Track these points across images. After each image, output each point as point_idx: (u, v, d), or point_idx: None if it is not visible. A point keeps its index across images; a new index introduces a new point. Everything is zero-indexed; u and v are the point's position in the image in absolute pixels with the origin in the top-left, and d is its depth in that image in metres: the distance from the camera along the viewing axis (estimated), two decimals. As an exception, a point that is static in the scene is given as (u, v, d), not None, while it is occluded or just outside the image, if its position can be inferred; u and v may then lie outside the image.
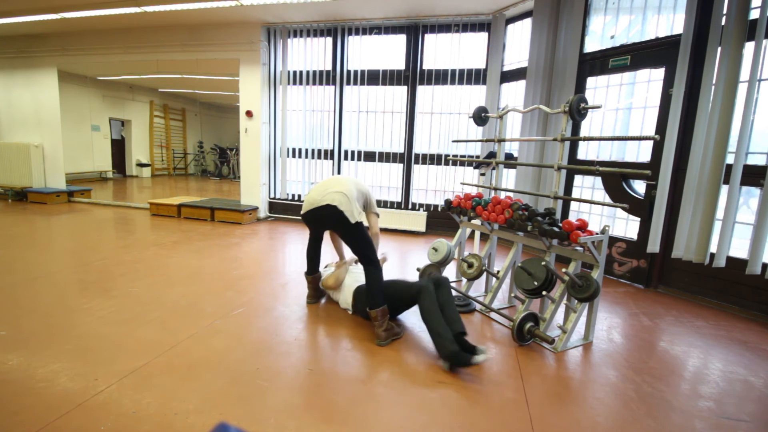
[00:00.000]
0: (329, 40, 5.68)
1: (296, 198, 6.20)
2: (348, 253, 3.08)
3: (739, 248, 3.14)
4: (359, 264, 3.03)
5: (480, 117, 3.29)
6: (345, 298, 2.80)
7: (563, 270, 2.35)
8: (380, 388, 1.92)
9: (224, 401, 1.75)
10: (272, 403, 1.75)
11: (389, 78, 5.56)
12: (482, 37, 5.20)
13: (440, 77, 5.40)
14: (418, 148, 5.62)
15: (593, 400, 1.92)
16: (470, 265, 3.05)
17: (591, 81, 4.09)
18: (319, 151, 5.94)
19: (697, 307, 3.24)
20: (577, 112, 2.51)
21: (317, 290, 2.98)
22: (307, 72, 5.82)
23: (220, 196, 8.41)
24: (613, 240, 3.88)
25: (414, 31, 5.37)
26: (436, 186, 5.64)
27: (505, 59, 5.09)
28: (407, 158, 5.64)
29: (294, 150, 6.07)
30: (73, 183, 8.31)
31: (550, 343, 2.34)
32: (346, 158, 5.86)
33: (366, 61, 5.61)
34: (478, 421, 1.71)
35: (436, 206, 5.64)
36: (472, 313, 2.90)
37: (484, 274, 3.18)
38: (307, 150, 6.00)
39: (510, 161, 3.35)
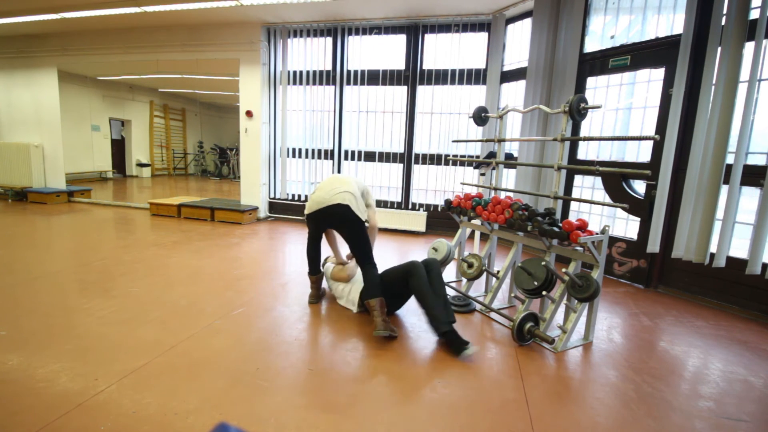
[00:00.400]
0: (329, 40, 5.68)
1: (296, 198, 6.20)
2: (344, 252, 3.08)
3: (739, 248, 3.14)
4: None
5: (480, 117, 3.29)
6: (353, 297, 2.79)
7: (563, 270, 2.35)
8: (380, 388, 1.92)
9: (224, 401, 1.75)
10: (272, 403, 1.75)
11: (389, 78, 5.56)
12: (482, 37, 5.20)
13: (440, 77, 5.40)
14: (418, 148, 5.62)
15: (593, 400, 1.92)
16: (470, 265, 3.05)
17: (591, 81, 4.09)
18: (319, 151, 5.94)
19: (697, 307, 3.24)
20: (577, 112, 2.51)
21: (320, 290, 3.01)
22: (307, 72, 5.82)
23: (220, 196, 8.41)
24: (613, 240, 3.88)
25: (414, 31, 5.37)
26: (436, 186, 5.64)
27: (505, 59, 5.09)
28: (407, 158, 5.64)
29: (294, 150, 6.07)
30: (73, 183, 8.31)
31: (550, 343, 2.34)
32: (346, 158, 5.86)
33: (366, 61, 5.61)
34: (478, 421, 1.71)
35: (436, 206, 5.64)
36: (472, 313, 2.90)
37: (484, 274, 3.18)
38: (307, 150, 6.00)
39: (510, 161, 3.35)
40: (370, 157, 5.80)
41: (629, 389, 2.01)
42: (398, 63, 5.52)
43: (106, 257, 3.79)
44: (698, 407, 1.89)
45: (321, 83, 5.80)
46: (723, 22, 3.02)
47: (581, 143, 4.25)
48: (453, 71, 5.32)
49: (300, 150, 6.04)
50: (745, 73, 2.90)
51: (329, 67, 5.73)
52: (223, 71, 7.66)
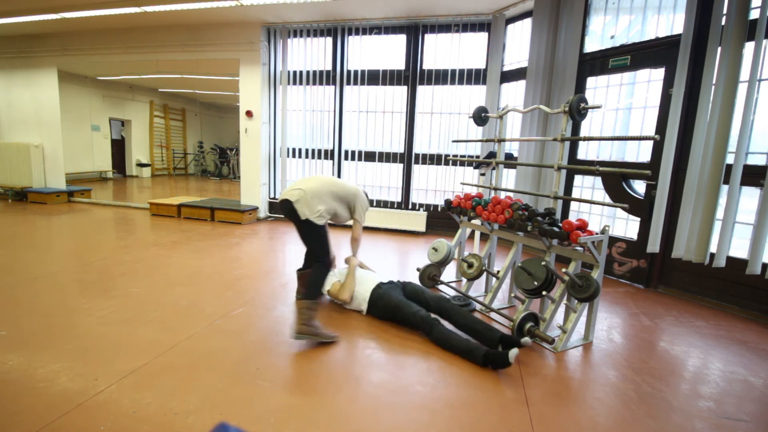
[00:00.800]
0: (329, 40, 5.68)
1: (296, 198, 6.19)
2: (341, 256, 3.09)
3: (739, 248, 3.14)
4: (360, 268, 3.03)
5: (480, 117, 3.29)
6: (358, 303, 2.76)
7: (563, 270, 2.35)
8: (381, 389, 1.92)
9: (224, 401, 1.75)
10: (272, 403, 1.75)
11: (389, 78, 5.56)
12: (482, 37, 5.20)
13: (440, 77, 5.40)
14: (418, 148, 5.62)
15: (593, 400, 1.92)
16: (470, 265, 3.05)
17: (591, 81, 4.09)
18: (319, 151, 5.94)
19: (697, 307, 3.24)
20: (577, 112, 2.51)
21: (305, 287, 3.00)
22: (307, 72, 5.82)
23: (220, 196, 8.41)
24: (613, 240, 3.88)
25: (414, 31, 5.37)
26: (436, 186, 5.64)
27: (505, 59, 5.09)
28: (407, 158, 5.64)
29: (294, 150, 6.07)
30: (73, 183, 8.31)
31: (550, 343, 2.34)
32: (346, 158, 5.86)
33: (366, 61, 5.61)
34: (478, 421, 1.71)
35: (436, 206, 5.64)
36: (472, 313, 2.90)
37: (484, 274, 3.18)
38: (307, 150, 6.00)
39: (510, 161, 3.35)
40: (370, 157, 5.80)
41: (629, 389, 2.01)
42: (398, 63, 5.52)
43: (106, 257, 3.79)
44: (698, 407, 1.89)
45: (321, 83, 5.80)
46: (723, 22, 3.02)
47: (581, 143, 4.25)
48: (453, 71, 5.32)
49: (300, 150, 6.04)
50: (745, 73, 2.90)
51: (329, 67, 5.73)
52: (223, 71, 7.66)
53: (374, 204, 5.81)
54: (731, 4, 2.94)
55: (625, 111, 4.01)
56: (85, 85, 10.04)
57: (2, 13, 5.62)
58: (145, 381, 1.86)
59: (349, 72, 5.68)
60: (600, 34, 4.08)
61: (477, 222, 3.30)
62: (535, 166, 4.02)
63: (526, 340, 2.21)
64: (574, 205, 4.34)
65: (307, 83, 5.84)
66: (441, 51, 5.37)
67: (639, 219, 3.68)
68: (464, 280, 3.24)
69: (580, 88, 4.09)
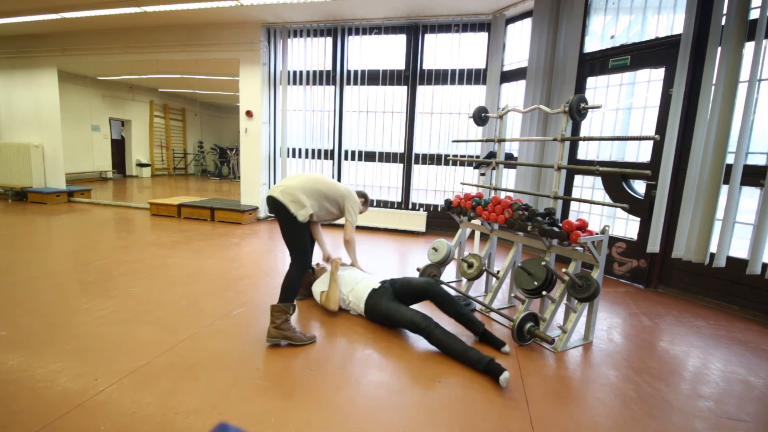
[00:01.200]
0: (329, 40, 5.68)
1: (296, 198, 6.19)
2: (337, 255, 3.08)
3: (739, 248, 3.14)
4: (346, 268, 2.95)
5: (480, 117, 3.29)
6: (355, 308, 2.72)
7: (563, 270, 2.35)
8: (380, 389, 1.92)
9: (224, 401, 1.75)
10: (272, 403, 1.75)
11: (389, 78, 5.56)
12: (482, 37, 5.20)
13: (440, 77, 5.40)
14: (418, 148, 5.62)
15: (593, 400, 1.92)
16: (470, 265, 3.05)
17: (591, 81, 4.09)
18: (319, 151, 5.94)
19: (697, 307, 3.24)
20: (577, 112, 2.51)
21: (307, 287, 3.02)
22: (307, 72, 5.82)
23: (220, 196, 8.41)
24: (613, 240, 3.88)
25: (414, 31, 5.37)
26: (436, 186, 5.64)
27: (505, 59, 5.09)
28: (407, 158, 5.64)
29: (294, 150, 6.07)
30: (73, 183, 8.31)
31: (550, 343, 2.34)
32: (346, 158, 5.86)
33: (366, 61, 5.61)
34: (478, 421, 1.71)
35: (436, 206, 5.64)
36: (472, 313, 2.90)
37: (484, 274, 3.18)
38: (307, 150, 6.00)
39: (510, 161, 3.35)
40: (370, 157, 5.80)
41: (629, 389, 2.01)
42: (398, 63, 5.52)
43: (106, 257, 3.79)
44: (698, 407, 1.89)
45: (321, 83, 5.80)
46: (723, 22, 3.02)
47: (581, 143, 4.25)
48: (453, 71, 5.32)
49: (300, 150, 6.04)
50: (745, 73, 2.90)
51: (329, 67, 5.73)
52: (223, 71, 7.66)
53: (374, 204, 5.81)
54: (731, 4, 2.94)
55: (625, 111, 4.01)
56: (85, 85, 10.04)
57: (2, 13, 5.62)
58: (145, 381, 1.86)
59: (349, 72, 5.68)
60: (600, 34, 4.08)
61: (477, 222, 3.30)
62: (535, 166, 4.02)
63: (506, 348, 2.31)
64: (574, 205, 4.34)
65: (307, 83, 5.84)
66: (441, 51, 5.37)
67: (639, 219, 3.68)
68: (464, 280, 3.24)
69: (580, 88, 4.09)
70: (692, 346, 2.55)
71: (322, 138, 5.92)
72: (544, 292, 2.42)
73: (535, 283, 2.47)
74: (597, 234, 2.36)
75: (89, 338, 2.24)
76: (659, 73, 3.51)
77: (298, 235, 2.54)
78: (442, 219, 5.60)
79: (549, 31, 4.32)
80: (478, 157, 5.03)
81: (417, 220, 5.53)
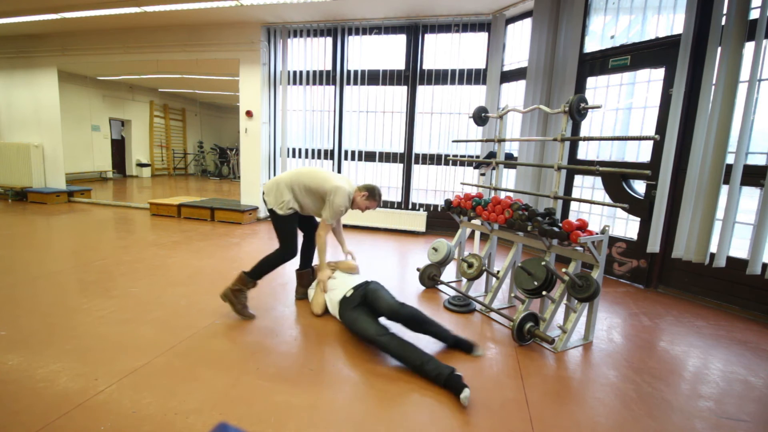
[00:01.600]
0: (329, 40, 5.68)
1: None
2: (337, 256, 3.08)
3: (739, 248, 3.14)
4: (335, 276, 2.81)
5: (480, 117, 3.29)
6: (335, 314, 2.62)
7: (563, 270, 2.35)
8: (381, 388, 1.92)
9: (224, 401, 1.75)
10: (272, 403, 1.75)
11: (389, 78, 5.56)
12: (482, 37, 5.20)
13: (440, 77, 5.40)
14: (418, 148, 5.62)
15: (593, 400, 1.92)
16: (470, 265, 3.05)
17: (591, 81, 4.09)
18: (319, 151, 5.94)
19: (697, 307, 3.23)
20: (577, 112, 2.51)
21: (306, 286, 3.02)
22: (307, 72, 5.82)
23: (220, 196, 8.41)
24: (613, 240, 3.88)
25: (414, 31, 5.37)
26: (436, 186, 5.64)
27: (505, 59, 5.09)
28: (407, 158, 5.64)
29: (294, 150, 6.07)
30: (73, 183, 8.31)
31: (550, 343, 2.34)
32: (346, 158, 5.86)
33: (366, 61, 5.61)
34: (478, 421, 1.71)
35: (436, 206, 5.64)
36: (472, 313, 2.90)
37: (484, 274, 3.18)
38: (307, 150, 6.00)
39: (510, 161, 3.35)
40: (370, 157, 5.80)
41: (629, 389, 2.01)
42: (398, 63, 5.52)
43: (106, 257, 3.79)
44: (698, 407, 1.89)
45: (321, 83, 5.80)
46: (723, 22, 3.02)
47: (581, 143, 4.25)
48: (453, 71, 5.32)
49: (300, 150, 6.04)
50: (745, 73, 2.90)
51: (329, 67, 5.73)
52: (223, 71, 7.66)
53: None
54: (731, 4, 2.94)
55: (625, 111, 4.01)
56: (85, 85, 10.04)
57: (2, 13, 5.61)
58: (145, 381, 1.86)
59: (349, 72, 5.68)
60: (600, 34, 4.08)
61: (477, 222, 3.30)
62: (535, 166, 4.02)
63: (479, 351, 2.27)
64: (574, 205, 4.34)
65: (307, 83, 5.84)
66: (441, 51, 5.37)
67: (639, 219, 3.68)
68: (464, 280, 3.24)
69: (580, 88, 4.09)
70: (692, 346, 2.55)
71: (322, 138, 5.92)
72: (544, 292, 2.42)
73: (535, 283, 2.47)
74: (597, 234, 2.36)
75: (89, 338, 2.24)
76: (659, 73, 3.51)
77: (280, 226, 2.69)
78: (442, 219, 5.60)
79: (549, 31, 4.32)
80: (478, 157, 5.03)
81: (417, 220, 5.53)
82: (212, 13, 5.31)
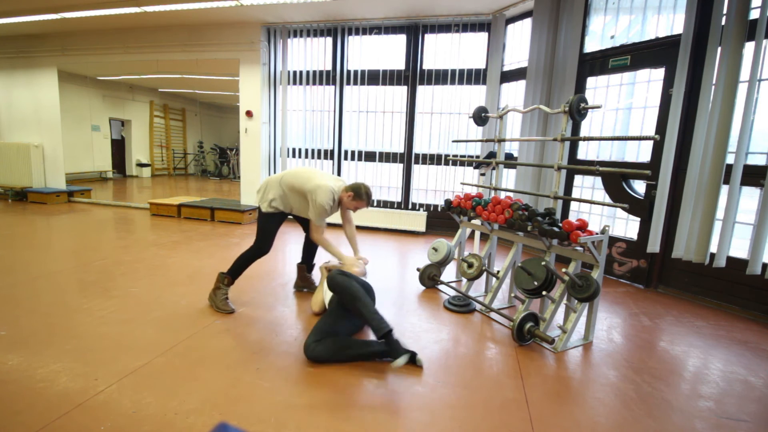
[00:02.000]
0: (329, 40, 5.68)
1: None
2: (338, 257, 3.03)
3: (739, 248, 3.14)
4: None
5: (480, 117, 3.29)
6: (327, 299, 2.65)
7: (563, 270, 2.35)
8: (380, 389, 1.92)
9: (224, 401, 1.75)
10: (272, 403, 1.75)
11: (389, 78, 5.56)
12: (482, 37, 5.20)
13: (440, 77, 5.40)
14: (418, 148, 5.62)
15: (593, 400, 1.92)
16: (470, 265, 3.05)
17: (591, 81, 4.09)
18: (319, 151, 5.94)
19: (697, 307, 3.23)
20: (577, 112, 2.51)
21: (303, 279, 3.13)
22: (307, 72, 5.82)
23: (220, 196, 8.41)
24: (613, 240, 3.88)
25: (414, 31, 5.37)
26: (436, 186, 5.64)
27: (505, 59, 5.09)
28: (407, 158, 5.64)
29: (294, 150, 6.08)
30: (73, 183, 8.31)
31: (550, 343, 2.34)
32: (346, 158, 5.86)
33: (366, 61, 5.61)
34: (478, 421, 1.71)
35: (436, 206, 5.64)
36: (472, 313, 2.90)
37: (484, 274, 3.18)
38: (307, 150, 6.00)
39: (510, 161, 3.35)
40: (370, 157, 5.80)
41: (629, 389, 2.01)
42: (398, 63, 5.52)
43: (106, 257, 3.79)
44: (698, 407, 1.89)
45: (321, 83, 5.80)
46: (723, 22, 3.02)
47: (581, 143, 4.25)
48: (453, 71, 5.32)
49: (300, 150, 6.04)
50: (745, 73, 2.90)
51: (329, 67, 5.73)
52: (223, 71, 7.66)
53: (374, 204, 5.81)
54: (731, 4, 2.94)
55: (625, 111, 4.01)
56: (85, 85, 10.04)
57: (2, 13, 5.62)
58: (145, 381, 1.86)
59: (349, 72, 5.68)
60: (600, 34, 4.08)
61: (477, 222, 3.30)
62: (535, 166, 4.02)
63: (415, 359, 2.10)
64: (574, 205, 4.34)
65: (307, 83, 5.84)
66: (441, 51, 5.37)
67: (639, 219, 3.68)
68: (464, 280, 3.24)
69: (580, 88, 4.09)
70: (692, 346, 2.55)
71: (322, 138, 5.92)
72: (544, 292, 2.42)
73: (535, 283, 2.47)
74: (597, 234, 2.36)
75: (89, 338, 2.24)
76: (659, 73, 3.51)
77: (260, 223, 2.77)
78: (442, 219, 5.60)
79: (549, 31, 4.32)
80: (478, 157, 5.03)
81: (417, 220, 5.53)
82: (212, 13, 5.31)
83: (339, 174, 5.91)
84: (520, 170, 4.64)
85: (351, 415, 1.71)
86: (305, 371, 2.02)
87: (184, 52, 6.02)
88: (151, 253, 3.97)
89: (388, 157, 5.74)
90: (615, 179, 3.80)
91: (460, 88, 5.35)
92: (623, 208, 2.52)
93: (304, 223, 2.98)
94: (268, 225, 2.76)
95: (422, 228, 5.52)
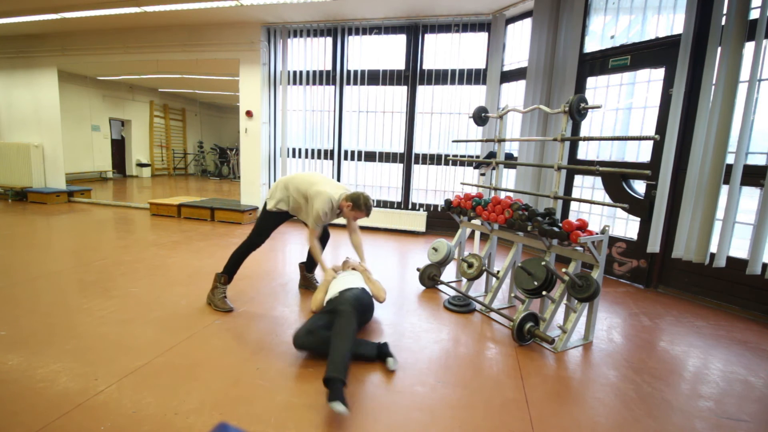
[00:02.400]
0: (329, 40, 5.68)
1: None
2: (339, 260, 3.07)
3: (739, 248, 3.14)
4: (337, 276, 2.79)
5: (480, 117, 3.29)
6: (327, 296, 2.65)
7: (563, 270, 2.35)
8: (380, 389, 1.92)
9: (224, 401, 1.75)
10: (272, 403, 1.75)
11: (389, 78, 5.56)
12: (482, 37, 5.20)
13: (440, 77, 5.40)
14: (418, 148, 5.62)
15: (593, 400, 1.92)
16: (470, 265, 3.05)
17: (591, 81, 4.09)
18: (319, 151, 5.94)
19: (697, 307, 3.23)
20: (577, 112, 2.51)
21: (304, 279, 3.19)
22: (307, 72, 5.82)
23: (220, 196, 8.41)
24: (613, 240, 3.88)
25: (414, 31, 5.37)
26: (436, 186, 5.64)
27: (505, 59, 5.09)
28: (407, 158, 5.64)
29: (294, 150, 6.07)
30: (73, 183, 8.31)
31: (550, 343, 2.34)
32: (346, 158, 5.86)
33: (366, 61, 5.61)
34: (478, 421, 1.71)
35: (436, 206, 5.64)
36: (472, 313, 2.90)
37: (484, 274, 3.18)
38: (307, 150, 6.00)
39: (510, 161, 3.35)
40: (370, 157, 5.80)
41: (629, 389, 2.01)
42: (398, 63, 5.51)
43: (106, 257, 3.79)
44: (698, 407, 1.89)
45: (321, 83, 5.80)
46: (723, 22, 3.02)
47: (581, 143, 4.25)
48: (453, 71, 5.32)
49: (300, 150, 6.04)
50: (745, 73, 2.90)
51: (329, 67, 5.73)
52: (223, 71, 7.66)
53: (375, 204, 5.81)
54: (731, 4, 2.94)
55: (625, 111, 4.01)
56: (85, 85, 10.04)
57: (2, 13, 5.61)
58: (145, 381, 1.86)
59: (349, 72, 5.68)
60: (600, 34, 4.08)
61: (477, 222, 3.30)
62: (535, 166, 4.02)
63: (393, 361, 2.08)
64: (574, 205, 4.34)
65: (307, 83, 5.84)
66: (441, 51, 5.37)
67: (639, 219, 3.68)
68: (464, 280, 3.24)
69: (580, 88, 4.09)
70: (692, 346, 2.55)
71: (322, 138, 5.92)
72: (544, 292, 2.42)
73: (535, 283, 2.47)
74: (597, 234, 2.36)
75: (89, 338, 2.24)
76: (659, 73, 3.51)
77: (260, 218, 2.82)
78: (442, 219, 5.60)
79: (549, 31, 4.32)
80: (478, 157, 5.03)
81: (417, 220, 5.53)
82: (212, 13, 5.31)
83: (339, 174, 5.91)
84: (520, 170, 4.64)
85: (351, 415, 1.71)
86: (305, 371, 2.02)
87: (184, 52, 6.02)
88: (151, 253, 3.97)
89: (388, 157, 5.74)
90: (615, 179, 3.80)
91: (460, 88, 5.35)
92: (623, 208, 2.53)
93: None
94: (267, 222, 2.80)
95: (422, 228, 5.52)
